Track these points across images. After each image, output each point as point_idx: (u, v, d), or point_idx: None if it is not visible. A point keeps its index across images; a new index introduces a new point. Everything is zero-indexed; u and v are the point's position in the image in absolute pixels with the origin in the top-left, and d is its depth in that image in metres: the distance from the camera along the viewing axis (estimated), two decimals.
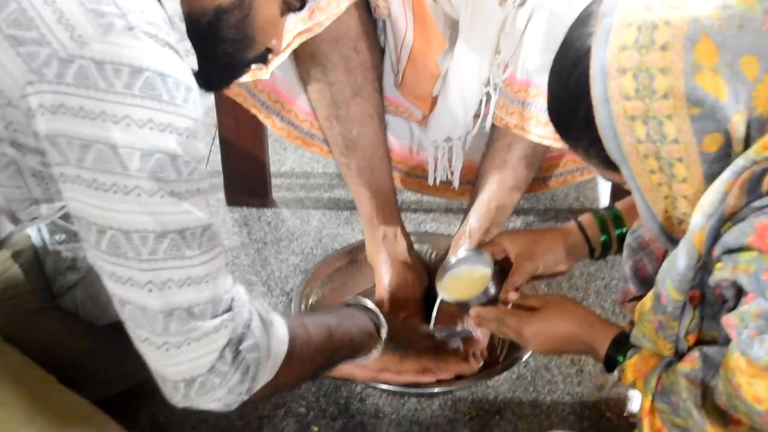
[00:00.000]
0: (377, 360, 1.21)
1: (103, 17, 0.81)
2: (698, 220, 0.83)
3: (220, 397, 0.93)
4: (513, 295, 1.23)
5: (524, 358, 1.31)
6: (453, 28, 1.40)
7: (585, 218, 1.26)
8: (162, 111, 0.83)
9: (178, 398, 0.93)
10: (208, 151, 1.66)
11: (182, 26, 0.93)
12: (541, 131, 1.36)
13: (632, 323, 1.04)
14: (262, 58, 1.05)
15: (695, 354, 0.90)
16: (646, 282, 1.10)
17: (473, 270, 1.31)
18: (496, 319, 1.20)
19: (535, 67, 1.33)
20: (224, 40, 0.99)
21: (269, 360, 0.97)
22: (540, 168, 1.50)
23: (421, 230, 1.73)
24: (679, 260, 0.85)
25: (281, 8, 1.02)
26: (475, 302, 1.25)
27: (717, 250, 0.82)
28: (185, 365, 0.90)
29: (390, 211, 1.48)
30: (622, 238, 1.20)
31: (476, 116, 1.46)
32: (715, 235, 0.83)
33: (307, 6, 1.23)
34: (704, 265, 0.85)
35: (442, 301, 1.32)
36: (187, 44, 0.94)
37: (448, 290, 1.30)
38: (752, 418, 0.82)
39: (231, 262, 1.67)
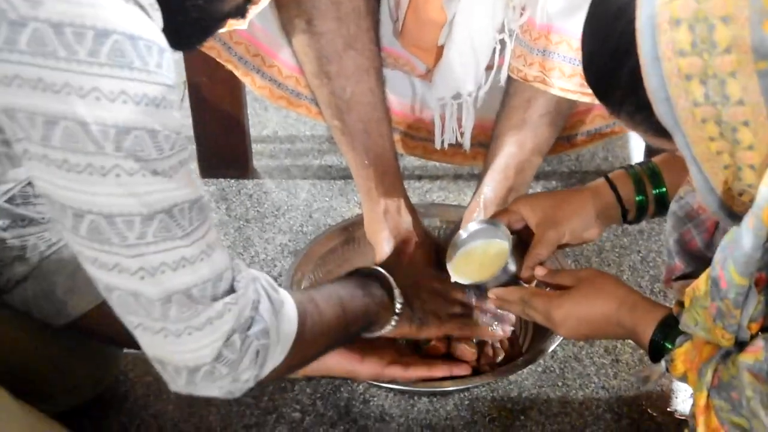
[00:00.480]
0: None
1: None
2: None
3: (224, 384, 0.95)
4: (539, 271, 1.21)
5: (551, 348, 1.28)
6: None
7: (617, 175, 1.24)
8: (135, 80, 0.82)
9: (180, 384, 0.94)
10: (184, 117, 1.73)
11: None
12: (566, 84, 1.34)
13: (680, 304, 1.02)
14: (240, 10, 1.03)
15: (759, 343, 0.87)
16: (695, 257, 1.09)
17: (488, 245, 1.27)
18: (520, 301, 1.19)
19: (557, 10, 1.32)
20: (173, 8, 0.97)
21: (279, 344, 0.99)
22: (564, 126, 1.49)
23: (428, 201, 1.73)
24: (744, 239, 0.82)
25: None
26: (493, 283, 1.22)
27: None
28: (187, 354, 0.92)
29: (392, 180, 1.45)
30: (660, 199, 1.20)
31: (489, 68, 1.45)
32: None
33: None
34: None
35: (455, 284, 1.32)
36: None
37: (460, 271, 1.27)
38: None
39: None
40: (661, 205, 1.22)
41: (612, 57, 0.89)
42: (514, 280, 1.23)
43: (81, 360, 1.23)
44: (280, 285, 1.18)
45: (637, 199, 1.22)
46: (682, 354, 0.99)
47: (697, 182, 0.89)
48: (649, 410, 1.28)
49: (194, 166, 1.67)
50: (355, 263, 1.48)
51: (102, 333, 1.20)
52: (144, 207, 0.84)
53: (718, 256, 0.88)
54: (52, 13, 0.78)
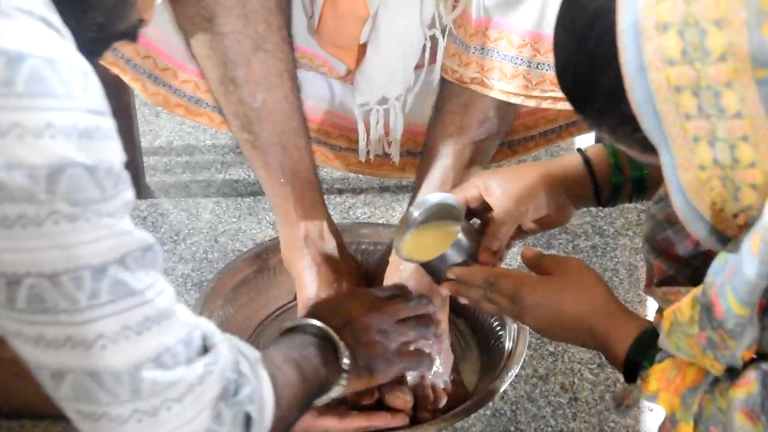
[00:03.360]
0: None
1: None
2: None
3: None
4: (527, 252, 1.15)
5: (502, 388, 1.19)
6: None
7: (593, 149, 1.19)
8: (61, 110, 0.76)
9: None
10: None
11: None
12: (507, 86, 1.28)
13: (662, 313, 0.97)
14: (133, 31, 0.99)
15: (751, 375, 0.84)
16: (675, 263, 1.04)
17: (441, 222, 1.21)
18: (484, 281, 1.11)
19: (495, 2, 1.26)
20: (96, 6, 0.92)
21: (265, 409, 0.93)
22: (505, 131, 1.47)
23: (351, 219, 1.67)
24: (747, 266, 0.79)
25: None
26: (447, 265, 1.15)
27: None
28: None
29: (312, 199, 1.36)
30: (640, 182, 1.16)
31: (419, 68, 1.41)
32: None
33: None
34: None
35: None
36: (55, 16, 0.85)
37: (410, 251, 1.20)
38: None
39: None
40: (641, 189, 1.18)
41: (589, 66, 0.85)
42: (469, 263, 1.17)
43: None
44: None
45: (613, 179, 1.18)
46: (659, 371, 0.95)
47: (681, 210, 0.84)
48: None
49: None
50: (270, 295, 1.41)
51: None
52: (93, 258, 0.77)
53: (710, 281, 0.83)
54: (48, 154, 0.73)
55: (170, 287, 0.85)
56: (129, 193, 0.82)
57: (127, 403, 0.80)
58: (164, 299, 0.84)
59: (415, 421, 1.19)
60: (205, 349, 0.86)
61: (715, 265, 0.83)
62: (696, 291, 0.87)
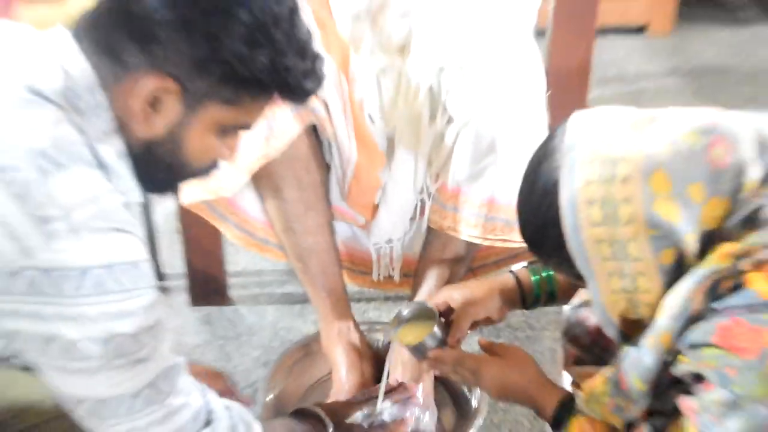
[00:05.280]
0: None
1: (47, 223, 0.79)
2: (666, 323, 0.89)
3: None
4: (482, 341, 1.25)
5: None
6: (390, 145, 1.52)
7: (521, 271, 1.28)
8: (113, 302, 0.83)
9: None
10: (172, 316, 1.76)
11: (125, 164, 0.93)
12: (472, 232, 1.47)
13: (576, 385, 1.12)
14: (206, 172, 1.03)
15: (643, 428, 0.98)
16: (582, 350, 1.19)
17: (422, 320, 1.31)
18: (454, 360, 1.21)
19: (463, 177, 1.46)
20: (158, 167, 0.97)
21: None
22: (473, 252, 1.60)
23: (366, 319, 1.75)
24: (646, 357, 0.91)
25: (217, 133, 0.98)
26: (427, 349, 1.25)
27: (681, 345, 0.89)
28: None
29: (342, 308, 1.56)
30: (551, 294, 1.26)
31: (413, 219, 1.58)
32: (678, 335, 0.89)
33: (263, 134, 1.34)
34: (664, 358, 0.92)
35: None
36: (130, 183, 0.94)
37: (403, 338, 1.30)
38: None
39: (197, 359, 1.69)
40: (552, 299, 1.26)
41: (542, 225, 0.96)
42: (443, 347, 1.25)
43: None
44: (255, 390, 1.36)
45: (534, 291, 1.26)
46: (577, 424, 1.06)
47: (600, 319, 0.97)
48: None
49: (184, 298, 1.80)
50: (312, 373, 1.59)
51: None
52: (131, 387, 0.87)
53: (618, 365, 0.95)
54: (42, 261, 0.79)
55: (188, 378, 0.94)
56: (160, 339, 0.90)
57: None
58: (180, 396, 0.92)
59: None
60: (208, 423, 0.95)
61: (621, 354, 0.95)
62: (607, 372, 0.98)
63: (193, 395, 0.95)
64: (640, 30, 3.17)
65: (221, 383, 1.32)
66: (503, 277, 1.30)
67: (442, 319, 1.27)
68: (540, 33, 1.66)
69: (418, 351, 1.26)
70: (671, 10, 3.05)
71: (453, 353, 1.23)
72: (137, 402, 0.88)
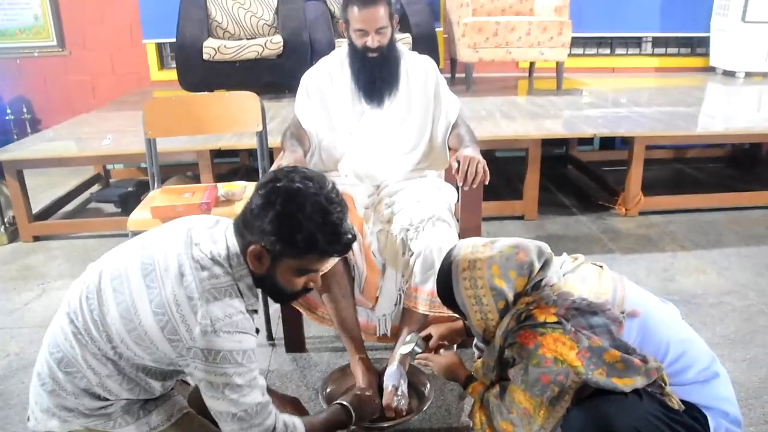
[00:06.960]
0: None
1: (204, 328, 1.20)
2: (499, 333, 1.45)
3: None
4: (432, 348, 2.01)
5: (426, 405, 2.19)
6: (383, 267, 2.43)
7: (462, 323, 2.03)
8: (236, 372, 1.26)
9: None
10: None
11: (252, 291, 1.33)
12: (426, 309, 2.35)
13: (475, 369, 1.75)
14: (302, 294, 1.46)
15: (496, 386, 1.59)
16: (481, 351, 1.81)
17: (413, 343, 2.14)
18: (427, 358, 1.99)
19: (419, 281, 2.34)
20: (270, 291, 1.42)
21: None
22: (426, 318, 2.44)
23: (371, 355, 2.48)
24: (493, 351, 1.55)
25: (297, 274, 1.31)
26: (415, 353, 2.06)
27: (505, 343, 1.43)
28: None
29: (359, 349, 2.46)
30: (468, 329, 1.94)
31: (396, 304, 2.51)
32: (505, 338, 1.44)
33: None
34: (501, 350, 1.50)
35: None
36: (253, 300, 1.35)
37: (403, 349, 2.10)
38: (513, 414, 1.46)
39: (285, 384, 2.47)
40: (469, 333, 1.92)
41: (448, 294, 1.57)
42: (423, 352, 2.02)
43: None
44: (317, 392, 2.27)
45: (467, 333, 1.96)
46: (472, 385, 1.75)
47: (475, 334, 1.63)
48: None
49: (282, 350, 2.74)
50: (347, 381, 2.37)
51: None
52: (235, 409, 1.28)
53: (486, 355, 1.56)
54: (202, 345, 1.14)
55: (269, 402, 1.32)
56: (260, 391, 1.31)
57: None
58: (267, 411, 1.35)
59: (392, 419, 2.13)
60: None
61: (486, 350, 1.60)
62: (482, 359, 1.66)
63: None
64: (520, 217, 4.59)
65: (293, 406, 1.94)
66: (458, 322, 2.10)
67: (424, 341, 2.13)
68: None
69: (411, 355, 2.13)
70: (535, 207, 4.56)
71: (427, 355, 2.06)
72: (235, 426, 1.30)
